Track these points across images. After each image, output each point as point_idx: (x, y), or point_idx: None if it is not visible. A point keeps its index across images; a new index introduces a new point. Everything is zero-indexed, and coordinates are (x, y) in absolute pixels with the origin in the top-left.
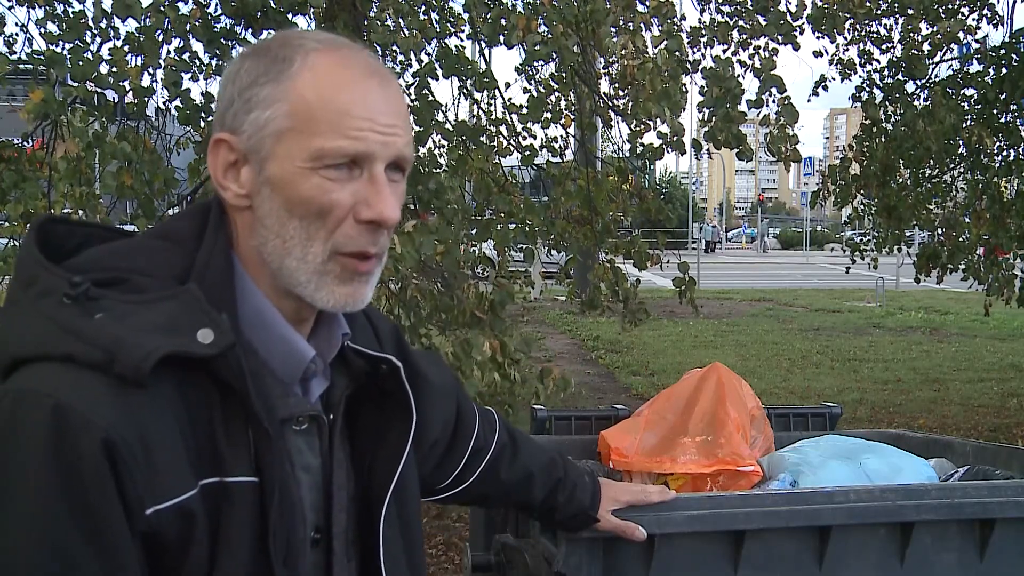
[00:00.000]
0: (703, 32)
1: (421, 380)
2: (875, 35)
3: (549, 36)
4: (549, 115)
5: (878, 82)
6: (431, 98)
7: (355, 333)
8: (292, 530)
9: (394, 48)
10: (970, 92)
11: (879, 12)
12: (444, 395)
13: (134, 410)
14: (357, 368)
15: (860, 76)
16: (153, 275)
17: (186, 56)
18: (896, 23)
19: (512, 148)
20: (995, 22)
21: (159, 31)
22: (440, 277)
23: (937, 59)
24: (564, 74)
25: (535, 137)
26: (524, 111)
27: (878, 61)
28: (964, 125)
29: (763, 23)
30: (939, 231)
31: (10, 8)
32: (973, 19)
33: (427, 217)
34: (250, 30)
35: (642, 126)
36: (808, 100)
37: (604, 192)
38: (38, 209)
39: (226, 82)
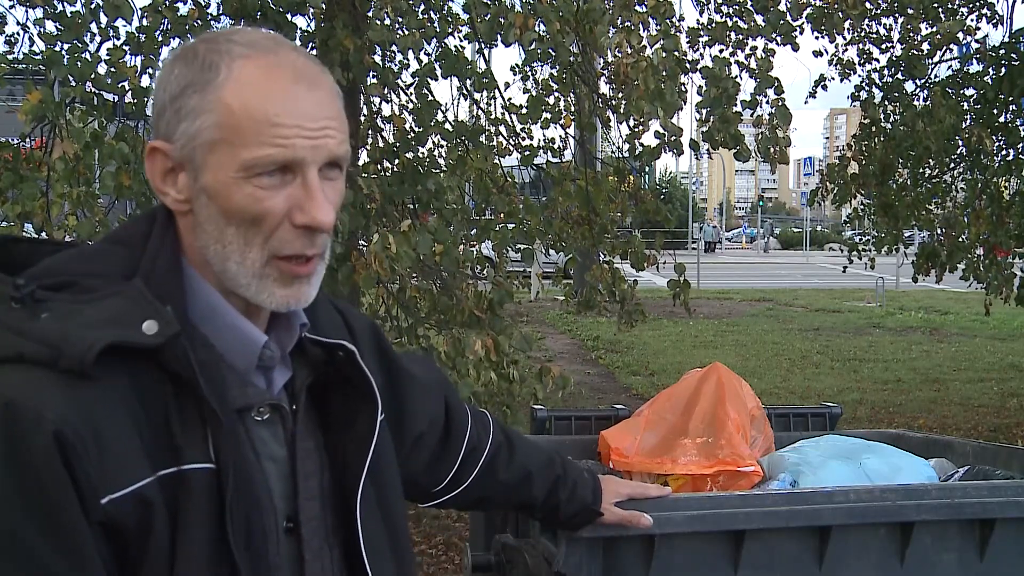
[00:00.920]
0: (701, 32)
1: (402, 373)
2: (875, 35)
3: (546, 35)
4: (548, 115)
5: (877, 82)
6: (431, 98)
7: (319, 324)
8: (256, 518)
9: (392, 48)
10: (970, 92)
11: (878, 12)
12: (429, 389)
13: (84, 403)
14: (315, 357)
15: (860, 75)
16: (102, 276)
17: None
18: (896, 23)
19: (511, 148)
20: (995, 22)
21: (158, 31)
22: (439, 277)
23: (937, 59)
24: (564, 74)
25: (533, 138)
26: (523, 111)
27: (877, 61)
28: (964, 125)
29: (761, 23)
30: (939, 231)
31: (11, 7)
32: (973, 19)
33: (427, 218)
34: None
35: (640, 126)
36: (805, 102)
37: (603, 193)
38: (35, 209)
39: (158, 88)
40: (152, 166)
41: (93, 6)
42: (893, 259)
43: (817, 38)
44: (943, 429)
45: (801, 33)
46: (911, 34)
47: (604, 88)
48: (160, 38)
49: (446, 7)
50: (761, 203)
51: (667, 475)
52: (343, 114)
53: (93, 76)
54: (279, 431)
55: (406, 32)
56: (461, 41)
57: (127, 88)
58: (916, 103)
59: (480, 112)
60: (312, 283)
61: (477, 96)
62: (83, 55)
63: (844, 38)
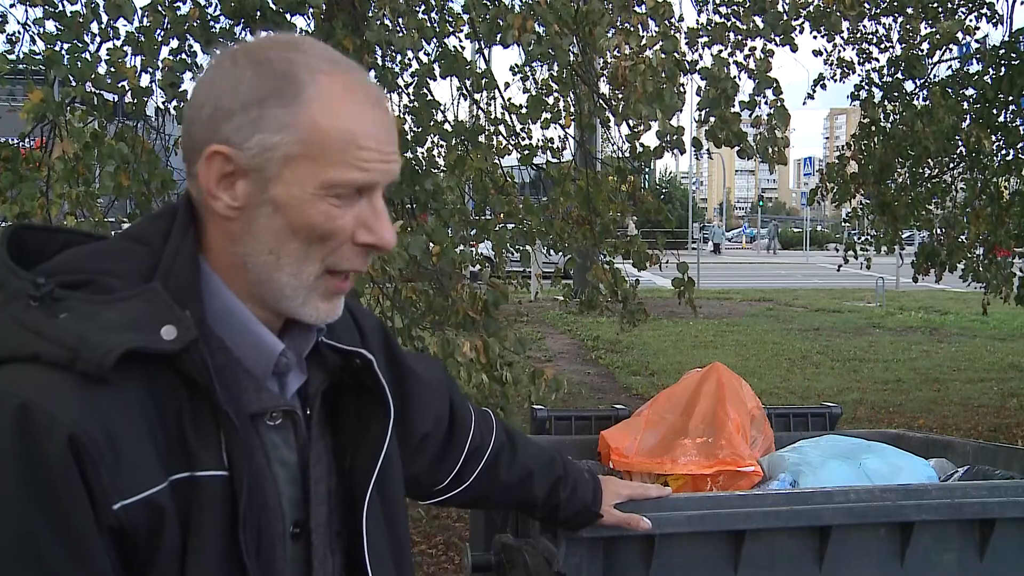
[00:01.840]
0: (700, 33)
1: (409, 374)
2: (874, 35)
3: (545, 36)
4: (548, 115)
5: (877, 81)
6: (429, 98)
7: (333, 328)
8: (266, 524)
9: (392, 49)
10: (969, 92)
11: (878, 12)
12: (434, 390)
13: (99, 407)
14: (332, 362)
15: (859, 75)
16: (119, 275)
17: (184, 57)
18: (895, 22)
19: (511, 148)
20: (995, 21)
21: (159, 31)
22: (434, 278)
23: (936, 59)
24: (564, 74)
25: (533, 138)
26: (523, 111)
27: (877, 60)
28: (963, 125)
29: (760, 24)
30: (939, 231)
31: (11, 6)
32: (972, 19)
33: (426, 218)
34: (248, 30)
35: (640, 127)
36: (804, 102)
37: (603, 193)
38: (34, 209)
39: (219, 90)
40: (209, 169)
41: (94, 5)
42: (893, 259)
43: (815, 37)
44: (943, 429)
45: (800, 33)
46: (910, 34)
47: (604, 88)
48: (160, 38)
49: (446, 7)
50: (761, 203)
51: (667, 475)
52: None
53: (93, 76)
54: (290, 436)
55: (405, 32)
56: (461, 41)
57: (127, 88)
58: (915, 103)
59: (480, 112)
60: (344, 298)
61: (477, 96)
62: (83, 55)
63: (842, 38)
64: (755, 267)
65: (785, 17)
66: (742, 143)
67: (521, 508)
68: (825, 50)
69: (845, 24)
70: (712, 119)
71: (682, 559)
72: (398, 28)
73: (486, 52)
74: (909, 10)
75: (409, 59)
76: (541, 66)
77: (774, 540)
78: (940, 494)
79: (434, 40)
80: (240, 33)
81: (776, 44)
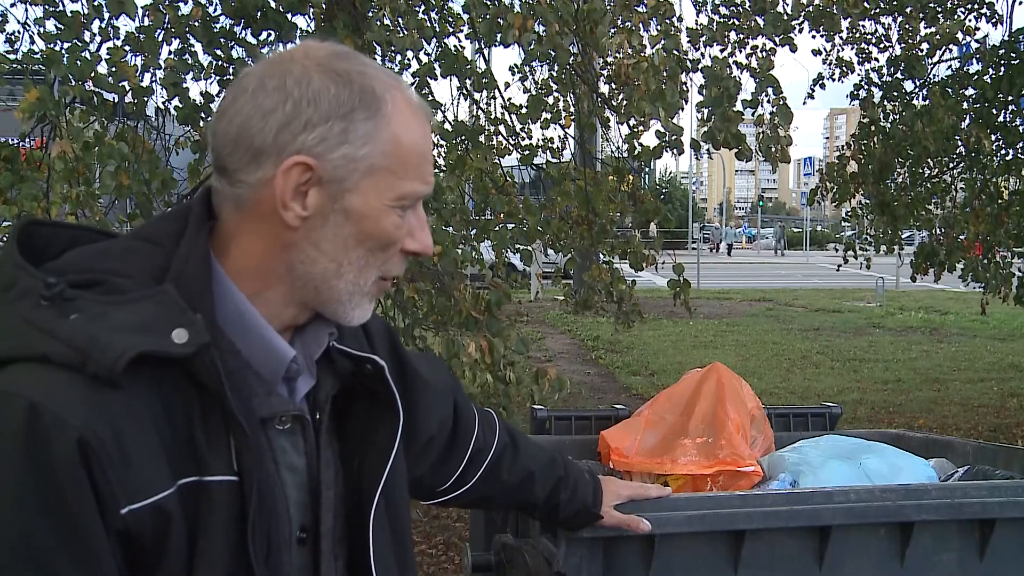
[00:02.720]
0: (701, 32)
1: (415, 378)
2: (873, 34)
3: (545, 35)
4: (548, 115)
5: (876, 81)
6: (431, 98)
7: (344, 332)
8: (274, 529)
9: (392, 49)
10: (969, 92)
11: (877, 11)
12: (440, 393)
13: (109, 409)
14: (342, 368)
15: (859, 74)
16: (130, 276)
17: (186, 57)
18: (895, 22)
19: (511, 148)
20: (994, 21)
21: (159, 31)
22: (436, 278)
23: (936, 59)
24: (563, 74)
25: (533, 137)
26: (523, 111)
27: (877, 60)
28: (963, 125)
29: (761, 24)
30: (938, 230)
31: (12, 5)
32: (972, 19)
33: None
34: (249, 30)
35: (640, 127)
36: (804, 102)
37: (603, 193)
38: (34, 210)
39: (298, 100)
40: (287, 180)
41: (97, 3)
42: (893, 259)
43: (814, 37)
44: (943, 429)
45: (800, 32)
46: (910, 34)
47: (604, 88)
48: (160, 37)
49: (446, 7)
50: (761, 203)
51: (667, 475)
52: None
53: (93, 75)
54: (299, 441)
55: (405, 32)
56: (461, 41)
57: (127, 88)
58: (915, 103)
59: (480, 112)
60: None
61: (477, 96)
62: (83, 54)
63: (842, 38)
64: (755, 267)
65: (787, 17)
66: (740, 145)
67: (521, 508)
68: (824, 50)
69: (845, 23)
70: (713, 119)
71: (682, 559)
72: (398, 28)
73: (486, 52)
74: (909, 9)
75: (409, 59)
76: (541, 66)
77: (774, 540)
78: (940, 494)
79: (434, 40)
80: (240, 33)
81: (776, 44)
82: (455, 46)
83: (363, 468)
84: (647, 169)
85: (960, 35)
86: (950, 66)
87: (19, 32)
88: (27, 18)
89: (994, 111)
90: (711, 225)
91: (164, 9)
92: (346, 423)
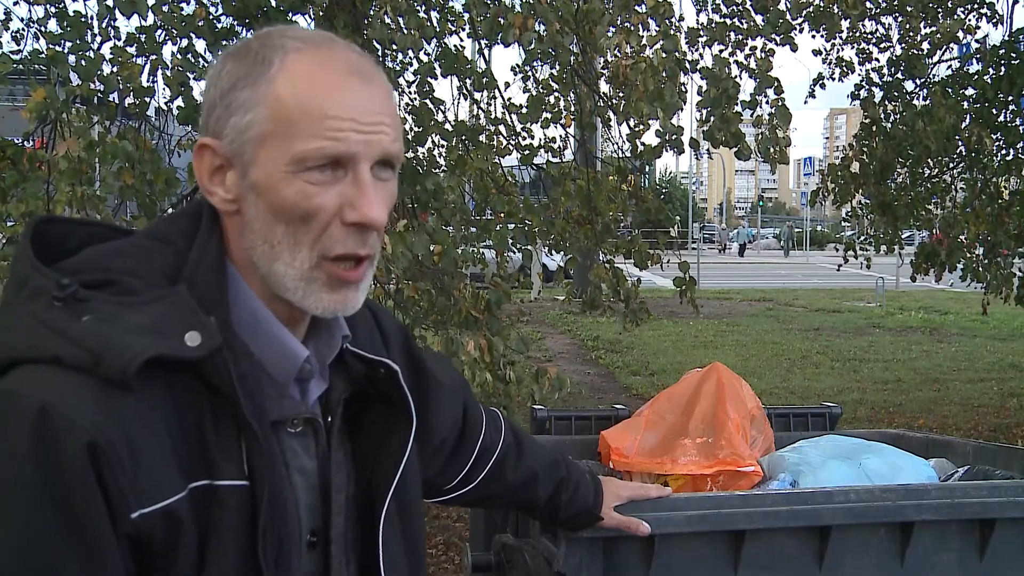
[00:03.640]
0: (701, 32)
1: (430, 380)
2: (873, 34)
3: (545, 35)
4: (548, 115)
5: (877, 81)
6: (433, 94)
7: (358, 335)
8: (284, 533)
9: (394, 47)
10: (969, 92)
11: (878, 11)
12: (453, 395)
13: (120, 412)
14: (356, 371)
15: (859, 74)
16: (143, 276)
17: (189, 56)
18: (895, 22)
19: (512, 148)
20: (995, 21)
21: (161, 30)
22: (436, 278)
23: (936, 59)
24: (564, 74)
25: (533, 137)
26: (523, 111)
27: (877, 60)
28: (963, 125)
29: (761, 23)
30: (938, 230)
31: (15, 3)
32: (972, 18)
33: (426, 217)
34: (251, 31)
35: (641, 126)
36: (805, 102)
37: (604, 192)
38: (39, 209)
39: (209, 85)
40: (200, 164)
41: (107, 3)
42: (893, 259)
43: (814, 37)
44: (943, 429)
45: (800, 32)
46: (911, 33)
47: (604, 88)
48: (162, 37)
49: (446, 6)
50: (761, 203)
51: (667, 475)
52: (397, 113)
53: (99, 74)
54: (310, 443)
55: (406, 32)
56: (462, 40)
57: (130, 88)
58: (916, 102)
59: (480, 112)
60: (360, 289)
61: (477, 96)
62: (87, 53)
63: (842, 37)
64: (755, 267)
65: (788, 16)
66: (740, 144)
67: (523, 508)
68: (825, 50)
69: (845, 24)
70: (712, 119)
71: (682, 559)
72: (399, 27)
73: (486, 52)
74: (909, 9)
75: (409, 59)
76: (541, 65)
77: (774, 540)
78: (940, 494)
79: (434, 40)
80: (243, 32)
81: (776, 44)
82: (455, 45)
83: (375, 471)
84: (648, 168)
85: (960, 34)
86: (950, 66)
87: (22, 31)
88: (31, 16)
89: (994, 111)
90: (712, 224)
91: (170, 8)
92: (359, 426)
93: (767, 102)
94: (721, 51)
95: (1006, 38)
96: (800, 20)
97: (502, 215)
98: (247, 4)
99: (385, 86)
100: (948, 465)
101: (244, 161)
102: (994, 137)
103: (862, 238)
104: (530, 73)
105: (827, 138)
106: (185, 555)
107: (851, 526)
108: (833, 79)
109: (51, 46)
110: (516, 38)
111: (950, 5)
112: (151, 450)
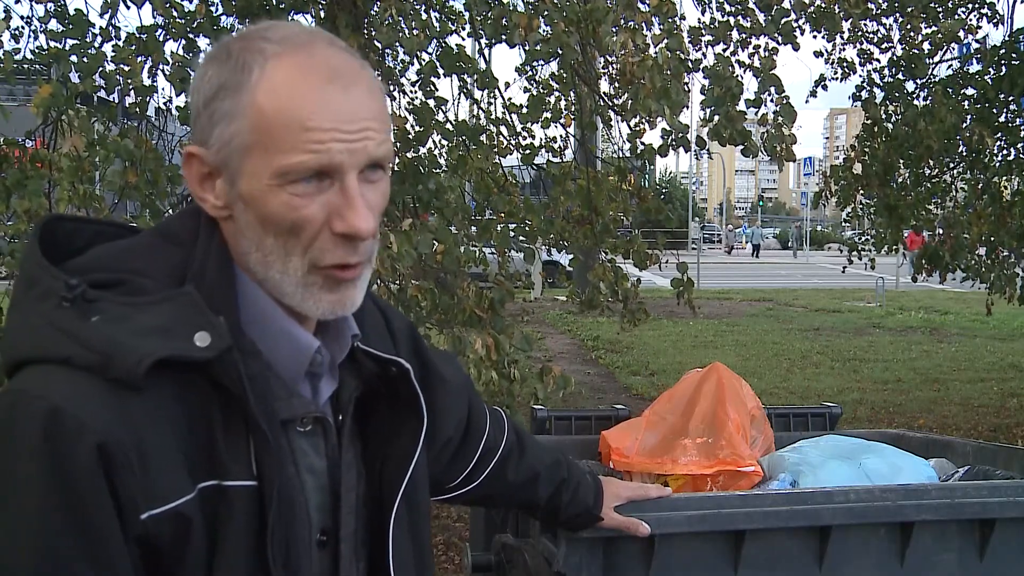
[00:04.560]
0: (703, 32)
1: (437, 379)
2: (874, 34)
3: (550, 35)
4: (549, 115)
5: (878, 81)
6: (438, 93)
7: (367, 333)
8: (293, 534)
9: (397, 47)
10: (970, 92)
11: (878, 11)
12: (458, 394)
13: (130, 413)
14: (367, 370)
15: (860, 75)
16: (152, 276)
17: (190, 54)
18: (896, 22)
19: (512, 148)
20: (995, 21)
21: (162, 30)
22: (439, 277)
23: (937, 59)
24: (564, 74)
25: (534, 137)
26: (524, 111)
27: (878, 60)
28: (964, 125)
29: (763, 22)
30: (939, 231)
31: (16, 2)
32: (973, 18)
33: (427, 217)
34: None
35: (642, 125)
36: (806, 101)
37: (604, 192)
38: (41, 207)
39: (193, 91)
40: (189, 171)
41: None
42: (893, 259)
43: (815, 37)
44: (943, 429)
45: (801, 33)
46: (911, 34)
47: (605, 87)
48: (163, 36)
49: (447, 5)
50: (761, 203)
51: (667, 475)
52: (385, 110)
53: (101, 71)
54: (320, 443)
55: (409, 33)
56: (464, 39)
57: (131, 86)
58: (917, 103)
59: (481, 111)
60: (359, 287)
61: (478, 95)
62: (88, 51)
63: (843, 38)
64: (755, 267)
65: (791, 15)
66: (746, 141)
67: (523, 508)
68: (826, 51)
69: (846, 24)
70: (716, 118)
71: (682, 559)
72: (402, 28)
73: (487, 52)
74: (910, 9)
75: (412, 59)
76: (544, 64)
77: (774, 540)
78: (940, 494)
79: (435, 39)
80: None
81: (778, 43)
82: (456, 44)
83: (385, 470)
84: (649, 168)
85: (961, 34)
86: (951, 66)
87: (22, 28)
88: (32, 14)
89: (994, 111)
90: (712, 224)
91: (172, 5)
92: (368, 425)
93: (771, 100)
94: (724, 50)
95: (1006, 38)
96: (802, 20)
97: (503, 215)
98: (249, 2)
99: (370, 85)
100: (948, 465)
101: (231, 171)
102: (995, 137)
103: (864, 238)
104: (532, 73)
105: (827, 138)
106: (194, 556)
107: (851, 526)
108: (835, 79)
109: (53, 44)
110: (522, 39)
111: (951, 5)
112: (160, 451)
